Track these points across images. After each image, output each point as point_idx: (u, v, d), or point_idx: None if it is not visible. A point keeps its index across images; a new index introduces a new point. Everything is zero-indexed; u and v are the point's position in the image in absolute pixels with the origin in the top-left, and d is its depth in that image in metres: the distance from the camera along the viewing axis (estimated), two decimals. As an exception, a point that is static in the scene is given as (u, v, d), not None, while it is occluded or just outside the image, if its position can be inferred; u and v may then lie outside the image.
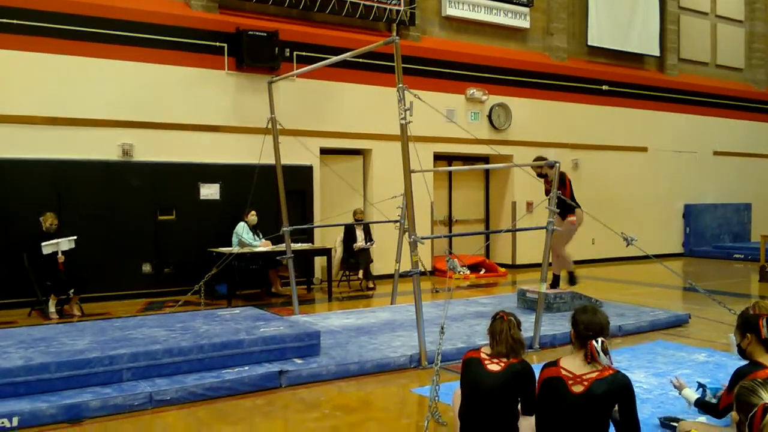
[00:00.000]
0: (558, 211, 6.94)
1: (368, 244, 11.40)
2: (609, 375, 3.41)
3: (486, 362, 3.84)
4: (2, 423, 4.53)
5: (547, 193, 8.74)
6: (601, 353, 3.44)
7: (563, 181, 7.71)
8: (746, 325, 3.80)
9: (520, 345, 3.82)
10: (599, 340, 3.46)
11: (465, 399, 3.95)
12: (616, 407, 3.43)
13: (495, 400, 3.79)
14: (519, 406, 3.88)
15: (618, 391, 3.39)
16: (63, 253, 8.74)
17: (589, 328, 3.51)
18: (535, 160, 8.55)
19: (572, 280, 8.77)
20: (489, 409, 3.81)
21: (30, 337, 5.91)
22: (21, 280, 8.85)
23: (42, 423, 4.65)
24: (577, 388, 3.41)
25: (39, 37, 9.43)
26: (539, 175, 8.48)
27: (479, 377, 3.84)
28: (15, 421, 4.57)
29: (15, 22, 9.26)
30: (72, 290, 8.75)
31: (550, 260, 7.56)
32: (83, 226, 9.50)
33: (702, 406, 4.20)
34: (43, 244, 8.60)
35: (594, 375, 3.41)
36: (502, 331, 3.82)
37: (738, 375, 3.60)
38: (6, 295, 9.11)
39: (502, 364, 3.76)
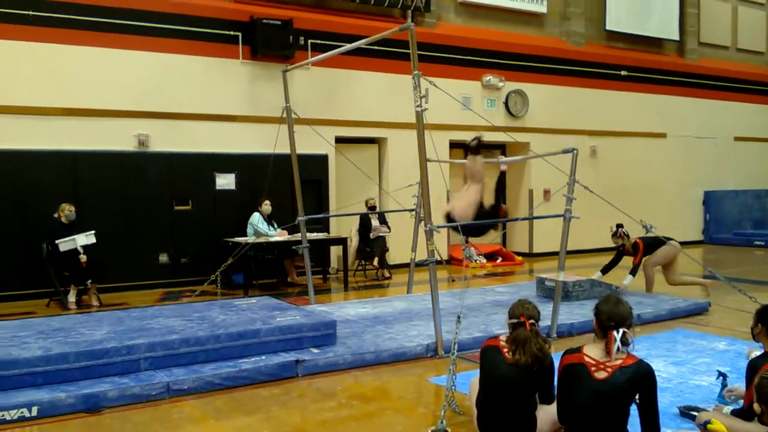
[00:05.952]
0: (575, 198, 6.73)
1: (384, 229, 11.32)
2: (633, 363, 3.38)
3: (505, 351, 3.81)
4: (22, 413, 4.57)
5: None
6: (620, 344, 3.38)
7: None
8: (763, 315, 3.90)
9: (545, 356, 3.75)
10: (620, 330, 3.41)
11: (483, 388, 3.92)
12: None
13: (513, 390, 3.76)
14: (537, 395, 3.85)
15: (641, 380, 3.35)
16: (83, 248, 8.66)
17: (611, 318, 3.45)
18: (473, 140, 7.15)
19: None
20: (507, 399, 3.78)
21: (48, 327, 5.96)
22: (39, 270, 8.92)
23: (61, 413, 4.69)
24: (600, 375, 3.38)
25: (54, 29, 9.45)
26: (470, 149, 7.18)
27: (498, 366, 3.80)
28: (34, 411, 4.60)
29: (30, 13, 9.28)
30: (89, 280, 8.80)
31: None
32: (100, 217, 9.54)
33: (737, 415, 3.91)
34: (58, 242, 8.54)
35: (617, 363, 3.37)
36: (527, 341, 3.74)
37: (752, 368, 3.57)
38: (24, 286, 9.18)
39: (522, 353, 3.73)
